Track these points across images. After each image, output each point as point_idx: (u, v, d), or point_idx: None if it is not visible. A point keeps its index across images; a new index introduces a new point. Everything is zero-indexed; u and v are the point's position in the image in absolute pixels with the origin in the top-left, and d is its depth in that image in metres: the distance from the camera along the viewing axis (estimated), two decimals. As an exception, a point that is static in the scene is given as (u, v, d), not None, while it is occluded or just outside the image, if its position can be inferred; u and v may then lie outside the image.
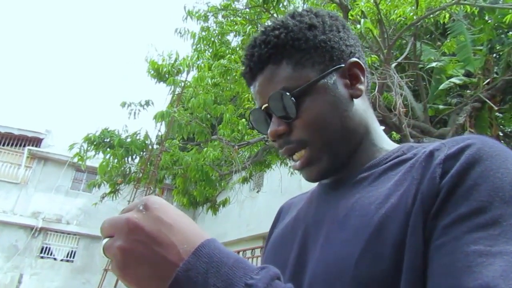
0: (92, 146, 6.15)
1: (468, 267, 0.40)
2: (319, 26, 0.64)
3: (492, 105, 5.47)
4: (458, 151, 0.50)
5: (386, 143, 0.67)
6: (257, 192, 11.96)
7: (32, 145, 15.18)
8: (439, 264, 0.43)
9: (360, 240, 0.51)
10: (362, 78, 0.65)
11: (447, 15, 5.09)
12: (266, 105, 0.64)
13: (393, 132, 5.19)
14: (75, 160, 6.46)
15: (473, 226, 0.43)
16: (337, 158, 0.63)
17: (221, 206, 7.71)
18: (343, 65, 0.64)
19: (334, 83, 0.63)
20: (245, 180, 7.96)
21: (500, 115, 6.63)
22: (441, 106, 6.50)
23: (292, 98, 0.61)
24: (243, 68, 0.69)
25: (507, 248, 0.40)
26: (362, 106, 0.66)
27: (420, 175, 0.52)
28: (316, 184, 0.73)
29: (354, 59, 0.65)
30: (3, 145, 15.22)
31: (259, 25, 6.72)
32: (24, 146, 15.11)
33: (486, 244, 0.41)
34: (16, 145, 15.45)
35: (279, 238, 0.71)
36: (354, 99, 0.64)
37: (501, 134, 6.65)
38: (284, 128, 0.63)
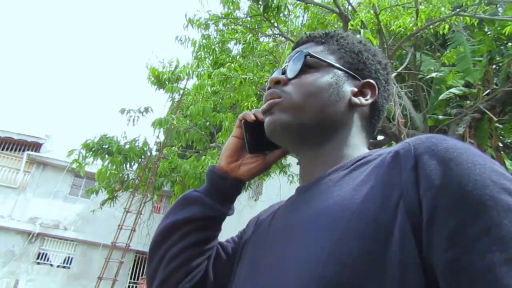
0: (91, 153, 6.14)
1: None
2: (366, 46, 0.75)
3: (492, 116, 5.47)
4: (426, 151, 0.49)
5: (359, 151, 0.67)
6: (256, 200, 11.91)
7: (32, 150, 15.16)
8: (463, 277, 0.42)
9: (325, 241, 0.50)
10: (368, 97, 0.70)
11: (447, 26, 5.10)
12: (287, 64, 0.72)
13: (393, 142, 5.18)
14: (74, 166, 6.45)
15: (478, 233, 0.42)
16: (299, 125, 0.66)
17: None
18: (359, 78, 0.70)
19: (343, 81, 0.69)
20: (243, 188, 7.93)
21: (500, 126, 6.62)
22: (440, 116, 6.49)
23: (305, 61, 0.68)
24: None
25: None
26: (354, 117, 0.69)
27: (389, 175, 0.51)
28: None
29: (372, 80, 0.71)
30: (3, 150, 15.21)
31: (259, 34, 6.75)
32: (24, 150, 15.09)
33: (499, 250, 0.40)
34: (15, 150, 15.43)
35: (253, 243, 0.73)
36: (352, 106, 0.68)
37: (500, 145, 6.64)
38: (283, 79, 0.69)
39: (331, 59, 0.70)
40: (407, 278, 0.44)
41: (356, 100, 0.68)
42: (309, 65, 0.69)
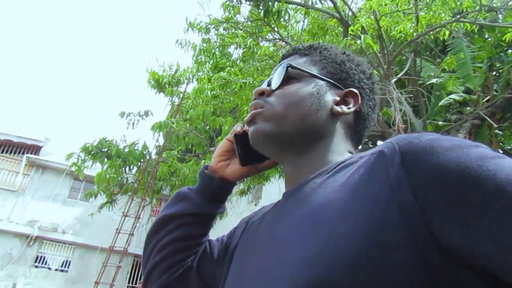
0: (90, 156, 6.12)
1: None
2: (350, 56, 0.76)
3: (492, 122, 5.46)
4: (411, 146, 0.49)
5: (343, 157, 0.67)
6: (255, 205, 11.89)
7: (31, 153, 15.13)
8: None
9: (314, 242, 0.50)
10: (351, 106, 0.71)
11: (447, 32, 5.11)
12: (272, 76, 0.74)
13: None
14: (73, 169, 6.43)
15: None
16: (281, 133, 0.67)
17: (219, 218, 7.63)
18: (341, 87, 0.72)
19: (325, 90, 0.70)
20: (243, 192, 7.91)
21: (500, 132, 6.62)
22: (440, 122, 6.48)
23: (286, 73, 0.71)
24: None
25: None
26: (336, 126, 0.70)
27: (375, 174, 0.51)
28: None
29: (355, 89, 0.72)
30: (2, 152, 15.19)
31: (260, 38, 6.76)
32: (23, 153, 15.07)
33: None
34: (15, 153, 15.41)
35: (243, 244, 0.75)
36: (334, 115, 0.69)
37: (500, 151, 6.63)
38: (267, 90, 0.72)
39: (313, 70, 0.72)
40: (403, 275, 0.43)
41: (338, 108, 0.70)
42: (292, 77, 0.71)
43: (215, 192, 0.83)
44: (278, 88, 0.71)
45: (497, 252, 0.40)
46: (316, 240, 0.50)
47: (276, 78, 0.72)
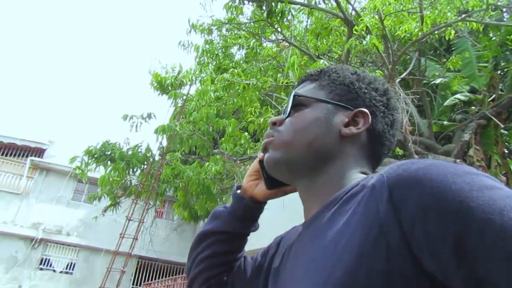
0: (93, 159, 6.10)
1: None
2: (360, 76, 0.76)
3: (498, 122, 5.40)
4: (398, 178, 0.49)
5: (353, 181, 0.66)
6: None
7: (35, 156, 15.16)
8: None
9: (317, 280, 0.52)
10: (360, 125, 0.70)
11: (453, 32, 5.06)
12: (286, 104, 0.77)
13: (397, 148, 5.12)
14: (77, 172, 6.42)
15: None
16: (288, 160, 0.70)
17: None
18: (351, 108, 0.72)
19: (333, 113, 0.71)
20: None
21: (506, 132, 6.55)
22: (445, 122, 6.43)
23: (294, 100, 0.74)
24: None
25: None
26: (347, 148, 0.70)
27: (367, 211, 0.51)
28: None
29: (365, 109, 0.71)
30: (6, 155, 15.22)
31: (263, 39, 6.73)
32: (27, 156, 15.10)
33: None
34: (19, 156, 15.45)
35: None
36: (343, 137, 0.69)
37: (506, 151, 6.56)
38: (278, 120, 0.75)
39: (320, 95, 0.74)
40: None
41: (346, 130, 0.69)
42: (301, 104, 0.74)
43: (245, 211, 0.86)
44: (288, 116, 0.74)
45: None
46: (322, 277, 0.52)
47: (287, 107, 0.76)
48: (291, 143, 0.70)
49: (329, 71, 0.77)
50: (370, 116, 0.71)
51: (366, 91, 0.74)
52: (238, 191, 0.88)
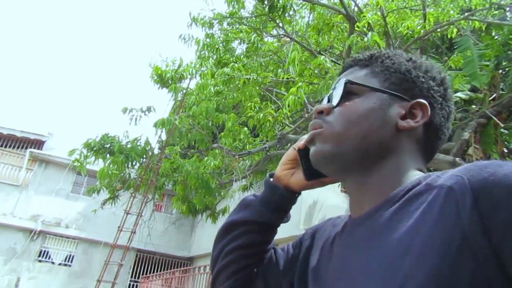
0: (92, 152, 6.09)
1: None
2: (417, 63, 0.70)
3: (498, 121, 5.39)
4: (484, 183, 0.46)
5: (410, 178, 0.63)
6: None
7: (34, 148, 15.17)
8: None
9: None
10: (419, 119, 0.65)
11: (455, 30, 5.03)
12: (332, 91, 0.72)
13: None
14: (75, 164, 6.41)
15: None
16: (340, 154, 0.65)
17: (221, 214, 7.63)
18: (407, 98, 0.66)
19: (388, 104, 0.65)
20: (245, 188, 7.88)
21: (506, 131, 6.54)
22: (446, 121, 6.41)
23: (345, 88, 0.67)
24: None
25: None
26: (403, 142, 0.65)
27: (445, 217, 0.48)
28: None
29: (423, 100, 0.66)
30: (5, 147, 15.23)
31: (264, 34, 6.70)
32: (26, 148, 15.11)
33: None
34: (18, 147, 15.46)
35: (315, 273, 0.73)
36: (399, 131, 0.64)
37: (506, 150, 6.56)
38: (326, 108, 0.69)
39: (373, 83, 0.67)
40: None
41: (404, 123, 0.64)
42: (351, 92, 0.67)
43: (278, 201, 0.81)
44: (338, 105, 0.68)
45: None
46: (397, 279, 0.49)
47: (335, 94, 0.69)
48: (344, 136, 0.64)
49: (381, 57, 0.71)
50: (429, 108, 0.65)
51: (423, 80, 0.68)
52: (271, 179, 0.82)
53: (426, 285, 0.45)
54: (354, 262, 0.59)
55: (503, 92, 5.92)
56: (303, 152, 0.75)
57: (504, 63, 6.16)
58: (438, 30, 5.03)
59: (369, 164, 0.64)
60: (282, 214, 0.82)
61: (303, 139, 0.76)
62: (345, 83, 0.68)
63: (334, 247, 0.69)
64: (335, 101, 0.68)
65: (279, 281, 0.80)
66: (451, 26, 4.89)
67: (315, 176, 0.76)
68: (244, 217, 0.82)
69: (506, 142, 6.68)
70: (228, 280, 0.82)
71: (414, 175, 0.63)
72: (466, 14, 4.89)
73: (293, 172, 0.80)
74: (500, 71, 6.32)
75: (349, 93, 0.67)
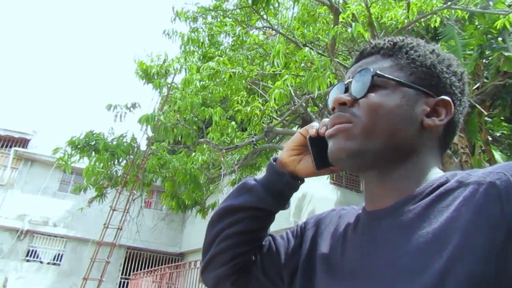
0: (77, 150, 5.99)
1: None
2: (440, 56, 0.67)
3: (482, 110, 5.46)
4: None
5: (433, 175, 0.63)
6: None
7: (19, 146, 14.90)
8: None
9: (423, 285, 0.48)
10: (443, 117, 0.63)
11: (438, 20, 5.06)
12: (351, 79, 0.67)
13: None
14: (60, 163, 6.30)
15: None
16: (367, 152, 0.62)
17: (210, 209, 7.62)
18: (433, 95, 0.64)
19: (414, 100, 0.62)
20: (234, 183, 7.87)
21: (490, 119, 6.63)
22: (431, 110, 6.47)
23: (371, 80, 0.63)
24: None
25: None
26: (426, 139, 0.63)
27: (488, 212, 0.47)
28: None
29: (447, 97, 0.64)
30: (-11, 146, 14.93)
31: (249, 27, 6.65)
32: (11, 147, 14.84)
33: None
34: (2, 146, 15.17)
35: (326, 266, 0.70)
36: (424, 128, 0.62)
37: (490, 138, 6.66)
38: (349, 99, 0.64)
39: (400, 76, 0.64)
40: None
41: (429, 121, 0.62)
42: (376, 84, 0.63)
43: (282, 188, 0.77)
44: (362, 97, 0.63)
45: None
46: (437, 273, 0.48)
47: (359, 85, 0.64)
48: (372, 133, 0.61)
49: (406, 47, 0.67)
50: (452, 105, 0.64)
51: (447, 75, 0.65)
52: (276, 164, 0.79)
53: (467, 280, 0.45)
54: (379, 255, 0.57)
55: (487, 81, 5.99)
56: (315, 141, 0.72)
57: (487, 52, 6.22)
58: (422, 20, 5.04)
59: (393, 162, 0.63)
60: (284, 201, 0.79)
61: (313, 126, 0.74)
62: (373, 76, 0.63)
63: (349, 239, 0.67)
64: (359, 93, 0.64)
65: (279, 270, 0.78)
66: (434, 16, 4.91)
67: (326, 166, 0.73)
68: (245, 202, 0.78)
69: (490, 130, 6.78)
70: (224, 266, 0.78)
71: (437, 172, 0.63)
72: (449, 3, 4.91)
73: (300, 158, 0.77)
74: (484, 60, 6.38)
75: (373, 85, 0.63)
